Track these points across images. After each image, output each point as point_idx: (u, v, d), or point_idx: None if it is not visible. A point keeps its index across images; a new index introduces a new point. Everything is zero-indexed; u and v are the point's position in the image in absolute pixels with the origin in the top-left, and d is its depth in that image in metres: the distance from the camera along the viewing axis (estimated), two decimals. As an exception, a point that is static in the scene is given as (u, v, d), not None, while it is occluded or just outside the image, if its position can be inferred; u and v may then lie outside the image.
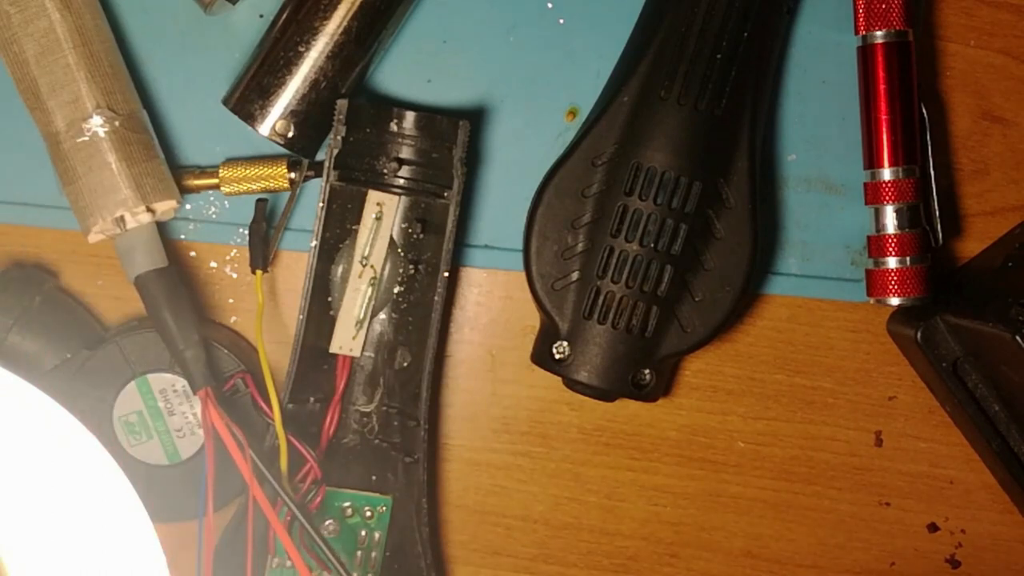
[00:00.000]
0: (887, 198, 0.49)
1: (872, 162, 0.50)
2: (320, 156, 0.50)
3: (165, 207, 0.48)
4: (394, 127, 0.47)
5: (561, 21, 0.51)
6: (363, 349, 0.50)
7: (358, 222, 0.49)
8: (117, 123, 0.46)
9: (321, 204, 0.48)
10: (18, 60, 0.46)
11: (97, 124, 0.46)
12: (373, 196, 0.49)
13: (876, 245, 0.50)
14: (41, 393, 0.31)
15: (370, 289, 0.49)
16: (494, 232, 0.52)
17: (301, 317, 0.48)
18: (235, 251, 0.52)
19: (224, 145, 0.51)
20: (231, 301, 0.52)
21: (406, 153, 0.48)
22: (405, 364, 0.50)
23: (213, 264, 0.52)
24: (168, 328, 0.47)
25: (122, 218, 0.47)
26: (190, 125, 0.51)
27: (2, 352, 0.48)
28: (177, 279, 0.48)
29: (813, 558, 0.54)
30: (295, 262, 0.52)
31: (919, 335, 0.49)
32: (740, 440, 0.53)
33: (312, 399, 0.50)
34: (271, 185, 0.50)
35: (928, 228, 0.50)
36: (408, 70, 0.51)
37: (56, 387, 0.48)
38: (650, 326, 0.47)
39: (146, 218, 0.47)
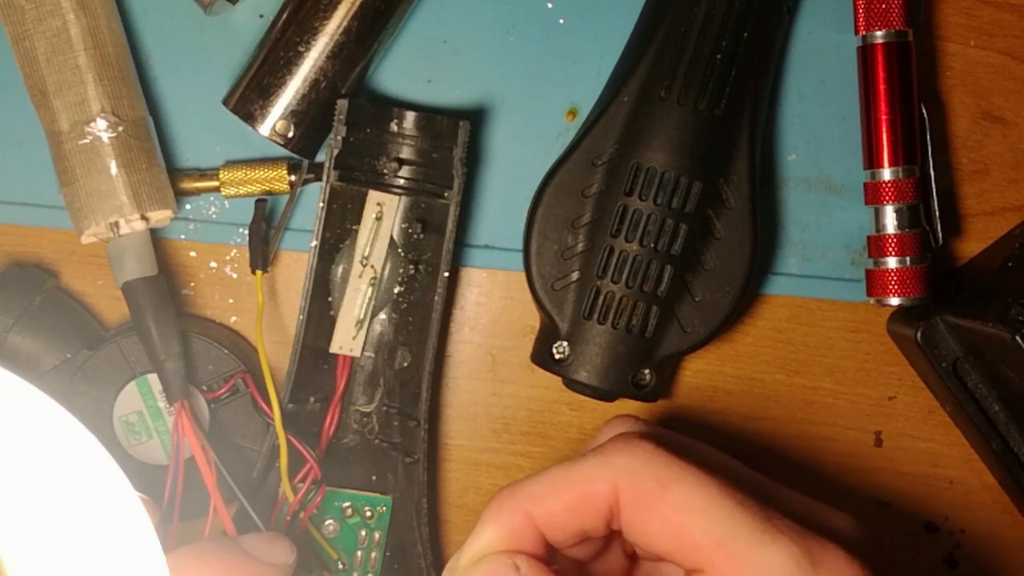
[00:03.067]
0: (887, 198, 0.49)
1: (872, 162, 0.50)
2: (320, 156, 0.50)
3: (160, 216, 0.48)
4: (394, 127, 0.47)
5: (561, 21, 0.51)
6: (363, 349, 0.50)
7: (358, 222, 0.49)
8: (121, 129, 0.46)
9: (321, 204, 0.48)
10: (28, 56, 0.46)
11: (100, 128, 0.46)
12: (373, 196, 0.49)
13: (876, 245, 0.50)
14: (41, 393, 0.31)
15: (370, 289, 0.49)
16: (494, 232, 0.52)
17: (301, 317, 0.48)
18: (235, 251, 0.52)
19: (224, 145, 0.51)
20: (231, 301, 0.52)
21: (406, 153, 0.48)
22: (405, 364, 0.50)
23: (213, 264, 0.52)
24: (150, 337, 0.47)
25: (116, 223, 0.47)
26: (190, 125, 0.51)
27: (2, 352, 0.48)
28: (165, 289, 0.48)
29: (813, 558, 0.54)
30: (295, 262, 0.52)
31: (919, 335, 0.49)
32: (740, 440, 0.53)
33: (312, 399, 0.50)
34: (271, 188, 0.50)
35: (928, 228, 0.50)
36: (408, 70, 0.51)
37: (56, 387, 0.48)
38: (650, 326, 0.47)
39: (140, 225, 0.47)
